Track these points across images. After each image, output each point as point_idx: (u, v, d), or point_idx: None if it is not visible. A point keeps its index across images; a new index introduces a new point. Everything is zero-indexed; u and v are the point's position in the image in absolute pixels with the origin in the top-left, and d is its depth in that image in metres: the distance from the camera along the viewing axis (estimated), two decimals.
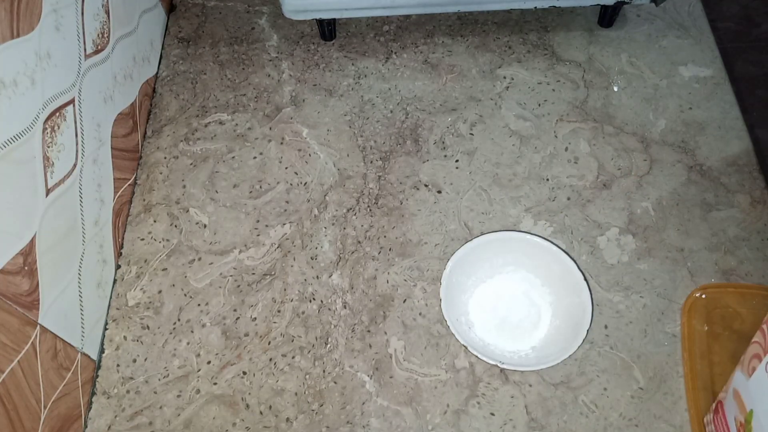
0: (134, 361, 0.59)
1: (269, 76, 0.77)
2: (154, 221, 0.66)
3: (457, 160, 0.69)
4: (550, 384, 0.57)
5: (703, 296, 0.60)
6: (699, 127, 0.71)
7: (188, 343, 0.59)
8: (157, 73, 0.77)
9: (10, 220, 0.46)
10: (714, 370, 0.56)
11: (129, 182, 0.67)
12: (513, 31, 0.79)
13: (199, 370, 0.58)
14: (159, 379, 0.58)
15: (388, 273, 0.62)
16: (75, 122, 0.56)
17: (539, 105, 0.73)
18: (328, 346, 0.59)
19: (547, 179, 0.68)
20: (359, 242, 0.64)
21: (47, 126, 0.51)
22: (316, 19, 0.76)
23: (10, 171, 0.46)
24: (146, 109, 0.73)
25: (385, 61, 0.77)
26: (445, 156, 0.70)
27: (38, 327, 0.49)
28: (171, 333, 0.60)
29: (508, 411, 0.55)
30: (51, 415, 0.50)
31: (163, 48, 0.79)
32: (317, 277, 0.62)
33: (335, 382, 0.57)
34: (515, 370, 0.57)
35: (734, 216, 0.65)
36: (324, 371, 0.58)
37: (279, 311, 0.61)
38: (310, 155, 0.70)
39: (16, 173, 0.46)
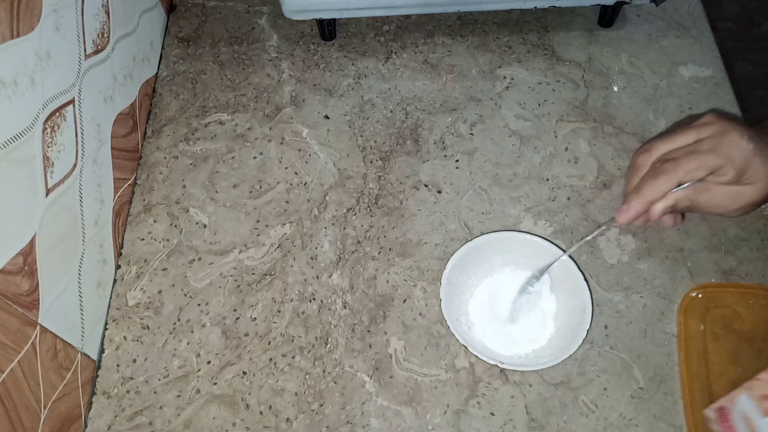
0: (134, 361, 0.59)
1: (269, 76, 0.77)
2: (154, 221, 0.66)
3: (457, 160, 0.69)
4: (550, 384, 0.57)
5: (700, 296, 0.60)
6: None
7: (188, 343, 0.59)
8: (157, 73, 0.77)
9: (10, 220, 0.46)
10: (711, 370, 0.56)
11: (129, 182, 0.67)
12: (513, 31, 0.79)
13: (199, 370, 0.58)
14: (159, 379, 0.58)
15: (388, 273, 0.62)
16: (75, 122, 0.56)
17: (539, 105, 0.73)
18: (328, 346, 0.59)
19: (547, 179, 0.68)
20: (359, 242, 0.64)
21: (47, 126, 0.51)
22: (316, 19, 0.76)
23: (10, 171, 0.46)
24: (146, 109, 0.73)
25: (385, 61, 0.77)
26: (445, 156, 0.70)
27: (38, 327, 0.49)
28: (171, 333, 0.60)
29: (508, 411, 0.55)
30: (51, 415, 0.50)
31: (163, 48, 0.79)
32: (317, 277, 0.62)
33: (335, 382, 0.57)
34: (515, 370, 0.57)
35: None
36: (324, 371, 0.58)
37: (279, 311, 0.61)
38: (310, 155, 0.70)
39: (16, 173, 0.46)
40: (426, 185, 0.68)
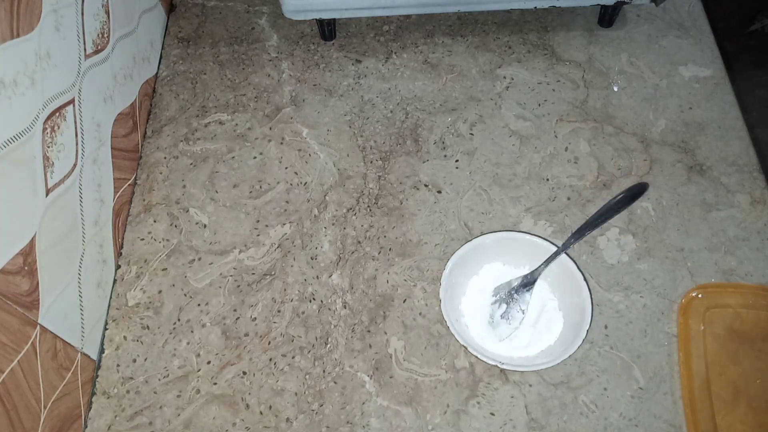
0: (134, 361, 0.59)
1: (269, 76, 0.77)
2: (154, 221, 0.66)
3: (457, 160, 0.69)
4: (550, 384, 0.57)
5: (700, 296, 0.60)
6: (699, 127, 0.71)
7: (188, 343, 0.59)
8: (157, 73, 0.77)
9: (10, 220, 0.46)
10: (711, 370, 0.56)
11: (129, 182, 0.67)
12: (513, 31, 0.79)
13: (199, 370, 0.58)
14: (159, 379, 0.58)
15: (388, 273, 0.62)
16: (75, 122, 0.56)
17: (539, 105, 0.73)
18: (328, 346, 0.59)
19: (547, 179, 0.68)
20: (359, 242, 0.64)
21: (47, 126, 0.51)
22: (316, 19, 0.76)
23: (10, 171, 0.46)
24: (146, 109, 0.73)
25: (385, 61, 0.77)
26: (445, 156, 0.70)
27: (38, 327, 0.49)
28: (171, 333, 0.60)
29: (508, 411, 0.55)
30: (51, 415, 0.50)
31: (163, 48, 0.79)
32: (317, 277, 0.62)
33: (335, 382, 0.57)
34: (515, 370, 0.57)
35: (734, 216, 0.65)
36: (324, 371, 0.58)
37: (279, 311, 0.61)
38: (310, 155, 0.70)
39: (16, 173, 0.46)
40: (426, 185, 0.68)
